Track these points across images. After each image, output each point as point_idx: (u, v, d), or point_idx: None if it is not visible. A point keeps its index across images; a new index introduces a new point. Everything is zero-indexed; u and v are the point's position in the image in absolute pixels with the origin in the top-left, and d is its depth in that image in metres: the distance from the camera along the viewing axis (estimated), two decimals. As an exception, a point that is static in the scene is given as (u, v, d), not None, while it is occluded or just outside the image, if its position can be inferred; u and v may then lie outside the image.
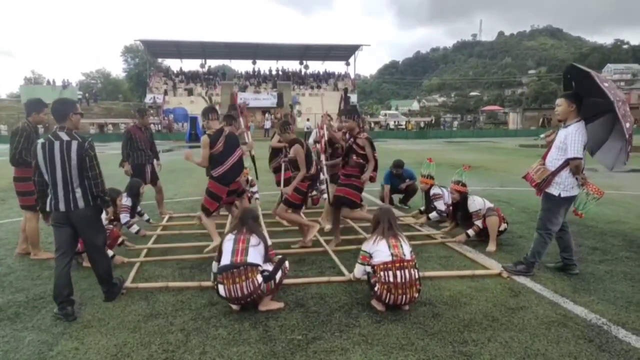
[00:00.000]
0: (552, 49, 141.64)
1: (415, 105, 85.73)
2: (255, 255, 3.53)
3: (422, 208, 6.73)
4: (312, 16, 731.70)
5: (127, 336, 3.14)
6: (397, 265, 3.48)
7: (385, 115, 49.61)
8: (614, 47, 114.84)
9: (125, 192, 5.90)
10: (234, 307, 3.54)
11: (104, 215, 4.14)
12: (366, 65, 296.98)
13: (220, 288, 3.42)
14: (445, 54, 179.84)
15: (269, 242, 3.76)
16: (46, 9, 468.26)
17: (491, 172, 13.04)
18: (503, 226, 5.33)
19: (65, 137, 3.32)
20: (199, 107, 36.02)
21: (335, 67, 51.35)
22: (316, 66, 49.21)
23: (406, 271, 3.47)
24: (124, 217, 5.66)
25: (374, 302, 3.61)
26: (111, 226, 4.75)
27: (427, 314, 3.51)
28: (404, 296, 3.45)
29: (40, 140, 3.36)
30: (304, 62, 47.18)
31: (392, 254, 3.52)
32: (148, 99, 38.89)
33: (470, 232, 5.32)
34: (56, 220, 3.43)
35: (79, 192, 3.38)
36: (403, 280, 3.44)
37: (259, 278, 3.43)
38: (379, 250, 3.58)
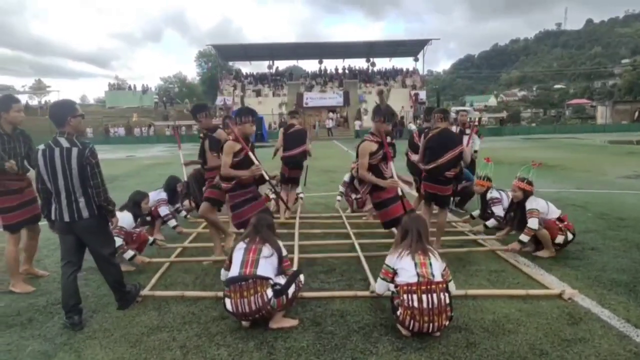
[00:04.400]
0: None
1: (492, 101, 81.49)
2: (266, 267, 3.22)
3: (475, 213, 6.05)
4: (379, 16, 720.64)
5: (125, 351, 2.96)
6: (424, 288, 2.99)
7: (456, 111, 47.38)
8: None
9: (163, 187, 5.85)
10: (245, 323, 3.26)
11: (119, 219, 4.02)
12: (440, 61, 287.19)
13: (227, 302, 3.15)
14: (526, 45, 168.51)
15: (284, 252, 3.43)
16: (133, 24, 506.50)
17: (569, 172, 11.75)
18: (560, 238, 4.60)
19: (65, 144, 3.17)
20: (267, 107, 36.52)
21: (404, 63, 50.10)
22: (384, 63, 48.34)
23: (434, 295, 2.97)
24: (163, 210, 5.59)
25: (399, 325, 3.15)
26: (138, 229, 4.69)
27: (460, 343, 2.99)
28: (431, 324, 2.95)
29: (41, 147, 3.23)
30: (371, 59, 46.42)
31: (417, 274, 3.04)
32: (219, 100, 40.27)
33: (524, 237, 4.61)
34: (60, 230, 3.34)
35: (82, 202, 3.23)
36: (430, 306, 2.94)
37: (269, 292, 3.11)
38: (404, 268, 3.11)
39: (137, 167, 15.91)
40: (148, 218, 5.69)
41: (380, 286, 3.30)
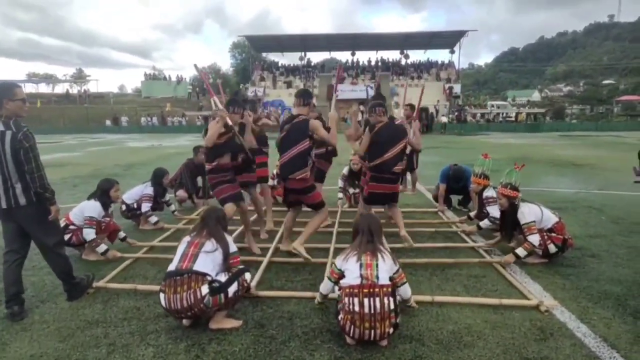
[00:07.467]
0: None
1: (535, 96, 78.37)
2: (206, 262, 3.03)
3: (472, 213, 5.67)
4: (418, 7, 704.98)
5: (51, 346, 2.85)
6: (366, 291, 2.74)
7: (493, 106, 45.77)
8: None
9: (150, 181, 5.83)
10: (185, 322, 3.10)
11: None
12: (481, 53, 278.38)
13: (161, 297, 2.98)
14: (574, 38, 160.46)
15: (233, 248, 3.23)
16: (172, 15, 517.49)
17: (597, 171, 11.00)
18: (552, 249, 4.21)
19: (0, 127, 3.10)
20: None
21: (440, 56, 48.80)
22: (418, 55, 47.15)
23: (376, 299, 2.71)
24: (145, 207, 5.57)
25: (343, 332, 2.90)
26: (107, 219, 4.62)
27: (405, 356, 2.72)
28: (372, 331, 2.70)
29: None
30: (405, 51, 45.33)
31: (361, 276, 2.79)
32: (250, 92, 40.47)
33: (520, 251, 4.21)
34: (1, 217, 3.26)
35: (19, 188, 3.12)
36: (372, 311, 2.69)
37: (204, 289, 2.91)
38: (348, 269, 2.88)
39: (158, 155, 16.11)
40: (138, 212, 5.67)
41: (324, 285, 3.08)
